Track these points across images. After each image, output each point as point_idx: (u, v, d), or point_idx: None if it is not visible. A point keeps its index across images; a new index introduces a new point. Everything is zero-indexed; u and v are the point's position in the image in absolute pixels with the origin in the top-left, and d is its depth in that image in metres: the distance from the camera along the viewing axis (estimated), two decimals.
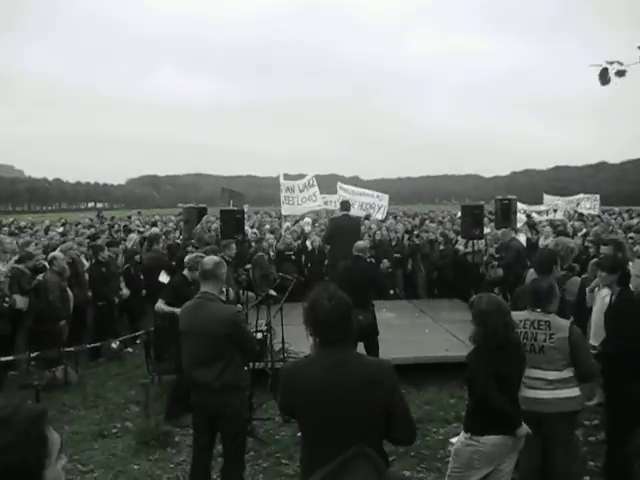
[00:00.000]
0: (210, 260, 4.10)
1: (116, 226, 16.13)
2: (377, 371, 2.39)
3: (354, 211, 13.64)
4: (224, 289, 4.92)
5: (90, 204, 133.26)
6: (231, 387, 3.84)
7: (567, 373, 3.67)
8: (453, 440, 3.65)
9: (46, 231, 14.77)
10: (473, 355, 3.36)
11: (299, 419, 2.52)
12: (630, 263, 4.58)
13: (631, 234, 9.86)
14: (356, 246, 6.69)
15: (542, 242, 9.76)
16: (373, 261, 7.71)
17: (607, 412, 4.35)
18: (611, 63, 3.30)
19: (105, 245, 9.17)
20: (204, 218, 9.11)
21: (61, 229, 15.07)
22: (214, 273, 4.00)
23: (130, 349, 8.59)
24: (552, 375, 3.65)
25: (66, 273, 7.67)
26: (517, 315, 3.74)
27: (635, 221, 14.38)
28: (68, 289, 7.76)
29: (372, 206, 14.18)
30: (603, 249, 5.01)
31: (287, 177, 14.29)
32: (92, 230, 13.65)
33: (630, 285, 4.33)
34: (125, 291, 8.92)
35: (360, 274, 6.38)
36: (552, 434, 3.75)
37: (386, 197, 14.70)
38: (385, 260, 10.92)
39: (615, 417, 4.22)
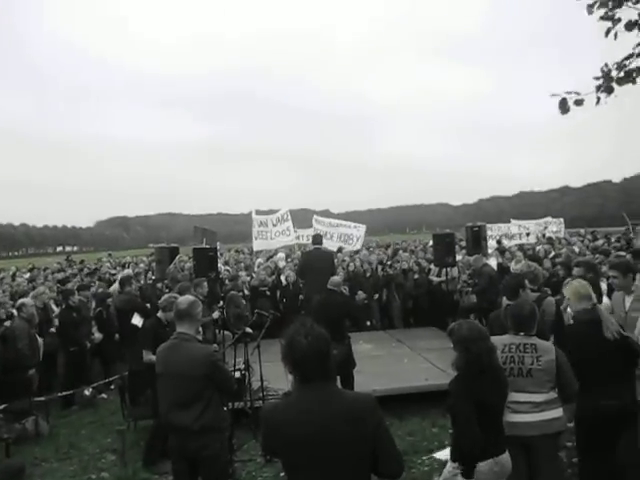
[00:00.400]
0: (185, 300, 4.05)
1: (85, 269, 15.83)
2: (361, 407, 2.34)
3: (332, 243, 13.73)
4: (200, 329, 4.85)
5: (59, 248, 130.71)
6: (210, 429, 3.75)
7: (552, 394, 3.70)
8: (437, 455, 3.62)
9: (13, 277, 14.41)
10: (455, 382, 3.36)
11: (283, 462, 2.45)
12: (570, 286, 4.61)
13: (597, 255, 10.10)
14: (331, 281, 6.79)
15: (513, 266, 9.92)
16: (347, 293, 7.72)
17: (576, 431, 4.35)
18: (569, 93, 3.47)
19: (76, 289, 8.98)
20: (177, 258, 9.04)
21: (28, 275, 14.72)
22: (189, 312, 3.94)
23: (104, 395, 8.34)
24: (539, 397, 3.66)
25: (35, 320, 7.47)
26: (501, 339, 3.76)
27: (600, 242, 14.76)
28: (38, 336, 7.54)
29: (350, 237, 14.25)
30: (575, 270, 5.14)
31: (259, 212, 14.34)
32: (62, 274, 13.38)
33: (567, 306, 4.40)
34: (97, 335, 8.71)
35: (334, 307, 6.45)
36: (538, 457, 3.74)
37: (363, 227, 14.79)
38: (360, 292, 10.97)
39: (583, 435, 4.22)
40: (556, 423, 3.72)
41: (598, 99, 3.54)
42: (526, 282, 5.10)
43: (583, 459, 4.31)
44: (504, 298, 5.09)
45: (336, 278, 7.00)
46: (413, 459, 5.46)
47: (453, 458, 3.34)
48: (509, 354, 3.68)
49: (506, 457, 3.29)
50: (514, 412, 3.62)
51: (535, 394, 3.66)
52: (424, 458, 5.46)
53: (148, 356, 5.68)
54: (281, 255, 14.81)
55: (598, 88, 3.51)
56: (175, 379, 3.75)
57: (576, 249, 12.70)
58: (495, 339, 3.71)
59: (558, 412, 3.72)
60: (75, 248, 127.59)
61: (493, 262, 10.57)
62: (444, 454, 3.66)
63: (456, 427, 3.36)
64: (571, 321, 5.11)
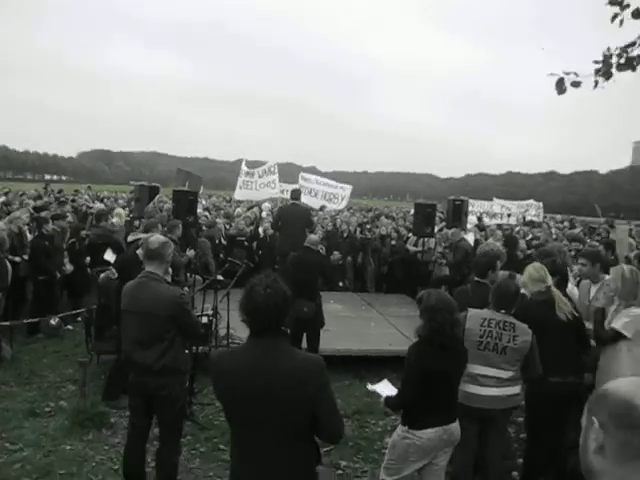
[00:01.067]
0: (156, 240, 4.00)
1: (62, 198, 15.57)
2: (308, 369, 2.32)
3: (316, 200, 13.68)
4: (170, 270, 4.80)
5: (37, 176, 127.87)
6: (170, 370, 3.77)
7: (517, 372, 3.82)
8: (370, 386, 3.73)
9: None
10: (412, 347, 3.40)
11: (225, 409, 2.47)
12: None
13: (573, 243, 10.24)
14: (308, 239, 6.80)
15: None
16: (324, 253, 7.75)
17: (526, 408, 4.50)
18: (568, 74, 3.41)
19: (50, 218, 8.83)
20: (156, 197, 8.92)
21: (3, 198, 14.41)
22: (160, 253, 3.90)
23: (70, 327, 8.32)
24: (506, 374, 3.76)
25: (5, 244, 7.35)
26: (481, 313, 3.84)
27: (577, 230, 14.96)
28: (7, 261, 7.43)
29: (335, 196, 14.18)
30: (580, 261, 5.32)
31: (247, 164, 14.16)
32: (39, 202, 13.11)
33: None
34: (68, 267, 8.63)
35: (309, 265, 6.47)
36: (493, 430, 3.90)
37: (349, 188, 14.71)
38: (336, 252, 11.01)
39: (532, 414, 4.38)
40: (515, 399, 3.88)
41: (596, 83, 3.50)
42: (498, 263, 5.16)
43: (530, 436, 4.46)
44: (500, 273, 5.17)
45: (314, 236, 7.00)
46: (367, 419, 5.60)
47: (403, 422, 3.41)
48: (488, 328, 3.74)
49: (455, 426, 3.37)
50: (481, 385, 3.73)
51: (503, 371, 3.76)
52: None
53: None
54: (267, 205, 14.73)
55: (597, 72, 3.46)
56: (139, 317, 3.74)
57: (553, 234, 12.86)
58: (475, 312, 3.83)
59: (518, 388, 3.87)
60: (55, 177, 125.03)
61: (471, 238, 10.64)
62: (378, 387, 3.76)
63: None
64: None
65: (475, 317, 3.81)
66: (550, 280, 4.36)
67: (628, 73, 3.42)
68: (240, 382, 2.30)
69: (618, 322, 4.07)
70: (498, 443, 4.00)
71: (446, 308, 3.29)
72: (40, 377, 6.38)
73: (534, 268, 4.44)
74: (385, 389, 3.68)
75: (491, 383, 3.74)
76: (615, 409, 1.19)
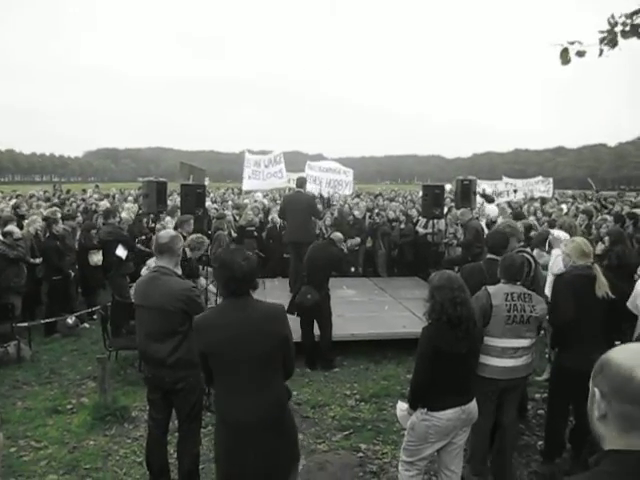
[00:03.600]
0: (166, 234, 4.00)
1: (72, 198, 15.67)
2: (273, 313, 2.93)
3: (322, 188, 13.65)
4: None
5: (45, 177, 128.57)
6: (185, 363, 3.78)
7: (535, 337, 4.00)
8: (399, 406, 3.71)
9: None
10: (424, 330, 3.39)
11: (210, 363, 2.88)
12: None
13: (581, 215, 10.17)
14: (334, 235, 7.06)
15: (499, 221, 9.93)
16: (345, 251, 7.78)
17: (551, 382, 4.60)
18: (572, 43, 3.36)
19: (60, 218, 8.89)
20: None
21: (13, 201, 14.52)
22: (170, 247, 3.91)
23: (87, 325, 8.42)
24: (529, 342, 3.92)
25: (21, 247, 7.43)
26: (503, 288, 3.92)
27: (589, 204, 14.83)
28: (22, 263, 7.52)
29: (339, 182, 14.13)
30: (606, 239, 5.40)
31: (251, 153, 14.13)
32: (49, 203, 13.19)
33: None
34: (97, 257, 8.63)
35: (326, 259, 6.68)
36: (513, 395, 4.05)
37: (351, 172, 14.65)
38: (357, 238, 11.06)
39: (556, 388, 4.40)
40: (531, 367, 4.09)
41: (601, 51, 3.44)
42: (512, 240, 5.11)
43: (553, 411, 4.46)
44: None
45: (339, 235, 7.13)
46: (385, 402, 5.62)
47: (422, 404, 3.41)
48: (512, 302, 3.84)
49: (473, 405, 3.37)
50: (510, 357, 3.84)
51: (529, 340, 3.90)
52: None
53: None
54: (259, 195, 14.78)
55: (602, 40, 3.40)
56: (153, 312, 3.76)
57: (564, 209, 12.74)
58: (496, 288, 3.92)
59: (533, 357, 4.05)
60: (63, 179, 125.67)
61: (483, 220, 10.56)
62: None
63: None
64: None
65: (498, 293, 3.88)
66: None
67: (636, 42, 3.36)
68: (224, 332, 2.82)
69: None
70: (515, 406, 4.17)
71: (448, 286, 3.27)
72: (60, 375, 6.47)
73: (584, 242, 4.43)
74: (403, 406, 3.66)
75: (519, 354, 3.87)
76: (614, 381, 1.19)
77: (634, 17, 3.37)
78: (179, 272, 3.96)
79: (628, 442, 1.18)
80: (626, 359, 1.19)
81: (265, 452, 2.84)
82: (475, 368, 3.55)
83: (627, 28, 3.35)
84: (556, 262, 5.35)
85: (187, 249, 6.17)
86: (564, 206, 13.21)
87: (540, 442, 4.74)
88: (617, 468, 1.17)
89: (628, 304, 4.48)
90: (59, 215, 8.82)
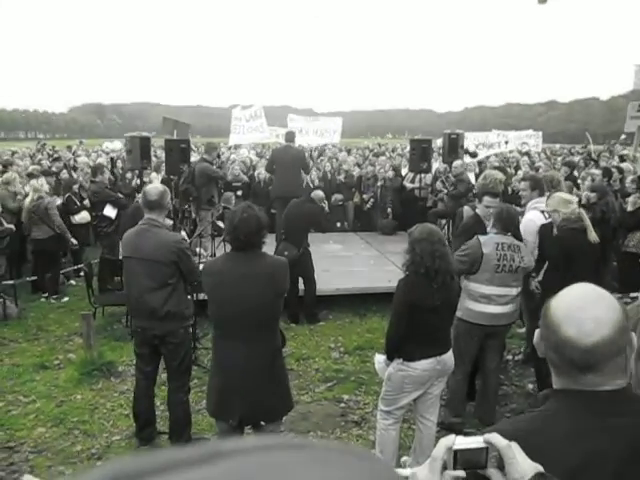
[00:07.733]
0: (155, 190, 3.97)
1: (55, 155, 15.39)
2: (278, 264, 3.19)
3: (308, 138, 13.46)
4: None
5: (30, 134, 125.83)
6: (174, 315, 3.83)
7: (520, 287, 4.17)
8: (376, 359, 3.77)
9: None
10: (400, 282, 3.43)
11: (211, 299, 3.15)
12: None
13: (563, 167, 10.16)
14: (314, 193, 6.96)
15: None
16: (326, 209, 7.65)
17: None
18: None
19: (40, 174, 8.72)
20: None
21: None
22: (160, 203, 3.91)
23: (73, 282, 8.42)
24: (516, 291, 4.08)
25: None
26: (494, 238, 4.04)
27: (577, 158, 14.79)
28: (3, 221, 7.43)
29: (327, 130, 13.94)
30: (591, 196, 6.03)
31: (244, 108, 13.84)
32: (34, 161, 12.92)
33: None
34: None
35: (305, 216, 6.63)
36: (495, 341, 4.24)
37: (339, 120, 14.43)
38: (338, 194, 10.98)
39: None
40: (516, 314, 4.28)
41: None
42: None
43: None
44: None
45: (320, 193, 7.02)
46: (368, 354, 5.71)
47: (398, 354, 3.47)
48: (502, 252, 3.96)
49: (449, 355, 3.44)
50: (496, 304, 4.00)
51: (515, 288, 4.06)
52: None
53: None
54: (244, 151, 14.57)
55: None
56: (143, 264, 3.78)
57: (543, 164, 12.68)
58: (487, 238, 4.05)
59: (518, 304, 4.23)
60: (47, 135, 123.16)
61: (471, 175, 10.51)
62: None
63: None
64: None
65: (489, 242, 3.99)
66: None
67: None
68: (227, 280, 3.04)
69: None
70: (498, 352, 4.37)
71: (428, 239, 3.27)
72: (47, 332, 6.51)
73: (562, 193, 4.57)
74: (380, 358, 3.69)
75: (503, 301, 4.01)
76: (547, 328, 1.22)
77: None
78: (169, 225, 3.99)
79: (562, 383, 1.23)
80: (559, 309, 1.21)
81: (257, 397, 3.03)
82: (451, 320, 3.61)
83: None
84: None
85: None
86: (541, 163, 13.12)
87: (519, 391, 4.89)
88: (558, 406, 1.22)
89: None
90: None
